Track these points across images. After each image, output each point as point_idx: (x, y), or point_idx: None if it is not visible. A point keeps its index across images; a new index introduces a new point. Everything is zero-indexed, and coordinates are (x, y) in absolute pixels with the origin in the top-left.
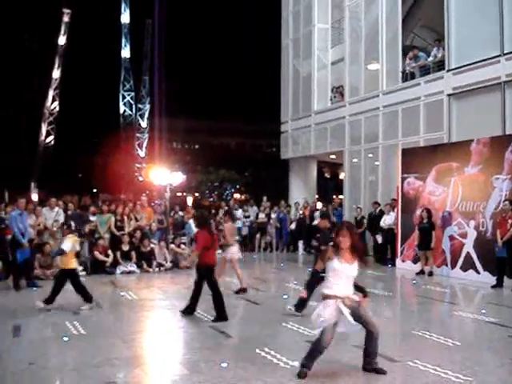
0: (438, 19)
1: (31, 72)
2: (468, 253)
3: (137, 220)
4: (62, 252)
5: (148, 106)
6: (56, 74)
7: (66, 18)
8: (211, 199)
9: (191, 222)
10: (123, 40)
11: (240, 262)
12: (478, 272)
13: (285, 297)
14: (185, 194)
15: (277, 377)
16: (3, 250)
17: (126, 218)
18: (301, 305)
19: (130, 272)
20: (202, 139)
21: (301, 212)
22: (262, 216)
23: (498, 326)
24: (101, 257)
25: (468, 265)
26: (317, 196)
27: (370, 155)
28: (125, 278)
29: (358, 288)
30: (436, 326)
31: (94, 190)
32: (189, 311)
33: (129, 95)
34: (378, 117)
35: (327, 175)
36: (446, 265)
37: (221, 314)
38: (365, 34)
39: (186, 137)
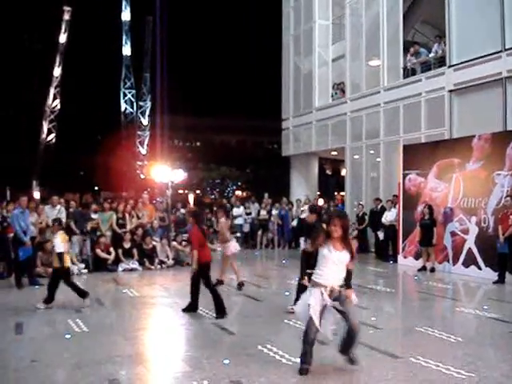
0: (439, 15)
1: (31, 71)
2: (470, 249)
3: (138, 217)
4: (61, 255)
5: (149, 104)
6: (57, 71)
7: (66, 16)
8: (212, 196)
9: None
10: (124, 37)
11: (242, 259)
12: (480, 268)
13: (287, 294)
14: (186, 191)
15: (279, 373)
16: (5, 248)
17: (127, 215)
18: None
19: (131, 269)
20: (204, 136)
21: (302, 209)
22: (263, 213)
23: (499, 321)
24: (103, 254)
25: (470, 261)
26: (318, 193)
27: (372, 152)
28: (127, 276)
29: (345, 279)
30: (438, 322)
31: (96, 188)
32: (190, 309)
33: (130, 93)
34: (379, 113)
35: (328, 172)
36: (448, 261)
37: (220, 310)
38: (365, 31)
39: (188, 134)
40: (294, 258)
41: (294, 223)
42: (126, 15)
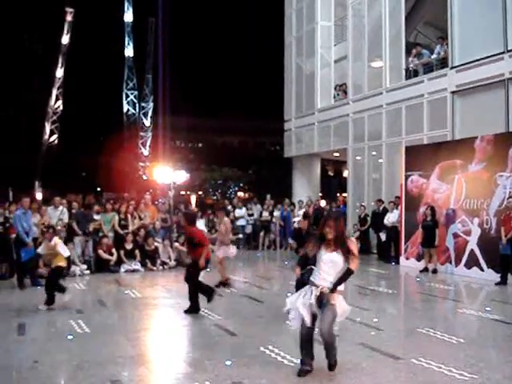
0: (442, 16)
1: (32, 72)
2: (472, 250)
3: (141, 218)
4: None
5: (151, 105)
6: (59, 73)
7: (68, 17)
8: (215, 197)
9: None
10: (126, 39)
11: (244, 260)
12: (482, 269)
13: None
14: (188, 192)
15: (281, 375)
16: (7, 249)
17: (129, 216)
18: None
19: (134, 270)
20: (206, 137)
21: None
22: (265, 214)
23: (502, 323)
24: (105, 255)
25: (472, 262)
26: (320, 194)
27: (374, 153)
28: (129, 277)
29: (336, 280)
30: (440, 323)
31: (98, 189)
32: (192, 310)
33: (132, 94)
34: (382, 114)
35: (331, 173)
36: (450, 262)
37: (207, 294)
38: (368, 32)
39: (190, 135)
40: (296, 259)
41: (296, 225)
42: (128, 16)
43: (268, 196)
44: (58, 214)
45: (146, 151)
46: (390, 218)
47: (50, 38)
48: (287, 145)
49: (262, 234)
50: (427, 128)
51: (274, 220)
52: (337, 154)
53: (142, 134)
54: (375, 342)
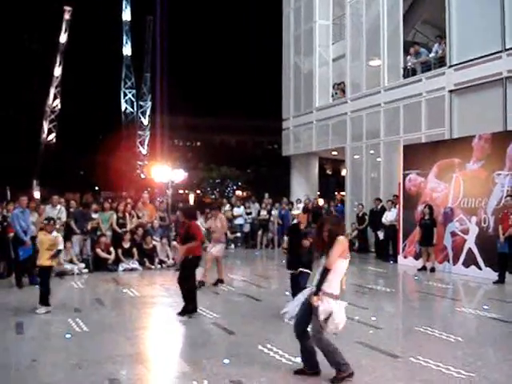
0: (440, 15)
1: (31, 71)
2: (470, 249)
3: (139, 217)
4: (59, 252)
5: (149, 104)
6: (57, 71)
7: (66, 16)
8: (213, 196)
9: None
10: (124, 37)
11: (242, 259)
12: (480, 268)
13: (287, 293)
14: (187, 191)
15: (280, 373)
16: (5, 248)
17: (127, 215)
18: None
19: (132, 269)
20: (204, 136)
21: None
22: (263, 213)
23: (500, 321)
24: (103, 254)
25: (470, 261)
26: (318, 193)
27: (372, 152)
28: (127, 275)
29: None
30: (438, 321)
31: (96, 188)
32: (185, 311)
33: (130, 92)
34: (380, 113)
35: (329, 172)
36: (448, 261)
37: (187, 308)
38: (366, 30)
39: (188, 134)
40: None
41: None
42: (126, 15)
43: (266, 195)
44: (56, 212)
45: (144, 150)
46: (388, 217)
47: (49, 37)
48: (285, 143)
49: (260, 232)
50: (425, 127)
51: (272, 219)
52: (335, 153)
53: (140, 132)
54: (373, 340)
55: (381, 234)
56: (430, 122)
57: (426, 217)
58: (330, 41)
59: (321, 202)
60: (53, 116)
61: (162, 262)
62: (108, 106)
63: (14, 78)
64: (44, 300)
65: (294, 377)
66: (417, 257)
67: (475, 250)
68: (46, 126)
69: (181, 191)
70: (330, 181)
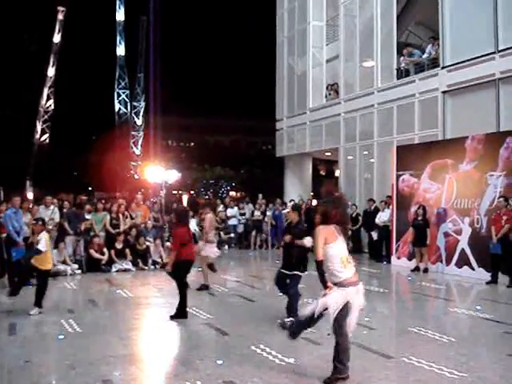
0: (433, 16)
1: (29, 71)
2: (463, 249)
3: (132, 218)
4: (39, 252)
5: (143, 104)
6: (51, 72)
7: (60, 16)
8: (207, 197)
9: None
10: (118, 37)
11: (236, 259)
12: (473, 268)
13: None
14: (180, 191)
15: (273, 374)
16: None
17: (121, 216)
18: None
19: (125, 270)
20: (197, 137)
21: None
22: (257, 213)
23: (492, 322)
24: (96, 255)
25: (463, 261)
26: (312, 193)
27: (365, 152)
28: (120, 276)
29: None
30: (431, 322)
31: (90, 188)
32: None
33: (124, 93)
34: (373, 114)
35: (322, 172)
36: (441, 261)
37: (181, 312)
38: (360, 32)
39: (181, 134)
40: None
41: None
42: (120, 15)
43: (260, 195)
44: (50, 213)
45: (137, 150)
46: (382, 218)
47: (44, 37)
48: (279, 144)
49: (253, 233)
50: (418, 127)
51: (266, 219)
52: (328, 154)
53: (133, 133)
54: (367, 340)
55: (374, 235)
56: (423, 123)
57: (419, 217)
58: (323, 42)
59: (314, 202)
60: (46, 116)
61: (155, 262)
62: (102, 106)
63: (12, 78)
64: (38, 302)
65: (287, 377)
66: (410, 257)
67: (468, 251)
68: (39, 126)
69: (174, 192)
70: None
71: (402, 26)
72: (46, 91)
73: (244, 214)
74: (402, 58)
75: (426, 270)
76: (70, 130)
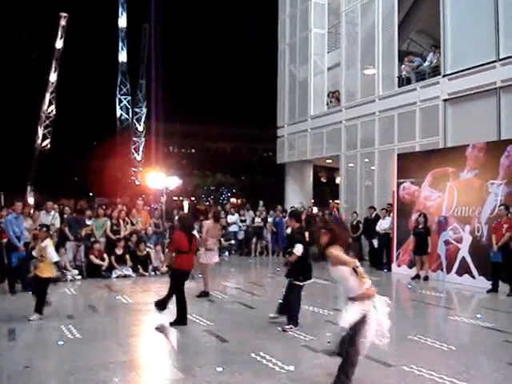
0: (434, 25)
1: (31, 74)
2: (463, 257)
3: (133, 224)
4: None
5: (144, 110)
6: (53, 77)
7: (62, 22)
8: (208, 203)
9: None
10: (120, 44)
11: (236, 266)
12: (474, 277)
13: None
14: (181, 198)
15: (272, 381)
16: None
17: (121, 221)
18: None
19: (125, 276)
20: (199, 143)
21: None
22: (258, 220)
23: (493, 330)
24: (96, 261)
25: (463, 269)
26: (313, 200)
27: (366, 160)
28: (120, 282)
29: None
30: (431, 330)
31: (90, 194)
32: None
33: (125, 99)
34: (374, 122)
35: (323, 180)
36: (442, 269)
37: (182, 319)
38: (361, 39)
39: (183, 141)
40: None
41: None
42: (122, 22)
43: (260, 202)
44: (50, 218)
45: (138, 156)
46: (382, 225)
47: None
48: (280, 151)
49: (254, 240)
50: (419, 135)
51: (266, 226)
52: (329, 161)
53: (134, 139)
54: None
55: (375, 242)
56: (424, 131)
57: (420, 225)
58: (325, 49)
59: (315, 210)
60: (47, 122)
61: (155, 268)
62: (103, 112)
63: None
64: (38, 308)
65: None
66: (411, 265)
67: (469, 259)
68: (40, 131)
69: (175, 198)
70: (325, 189)
71: (403, 34)
72: (47, 96)
73: (245, 221)
74: (403, 66)
75: (426, 278)
76: (72, 136)
